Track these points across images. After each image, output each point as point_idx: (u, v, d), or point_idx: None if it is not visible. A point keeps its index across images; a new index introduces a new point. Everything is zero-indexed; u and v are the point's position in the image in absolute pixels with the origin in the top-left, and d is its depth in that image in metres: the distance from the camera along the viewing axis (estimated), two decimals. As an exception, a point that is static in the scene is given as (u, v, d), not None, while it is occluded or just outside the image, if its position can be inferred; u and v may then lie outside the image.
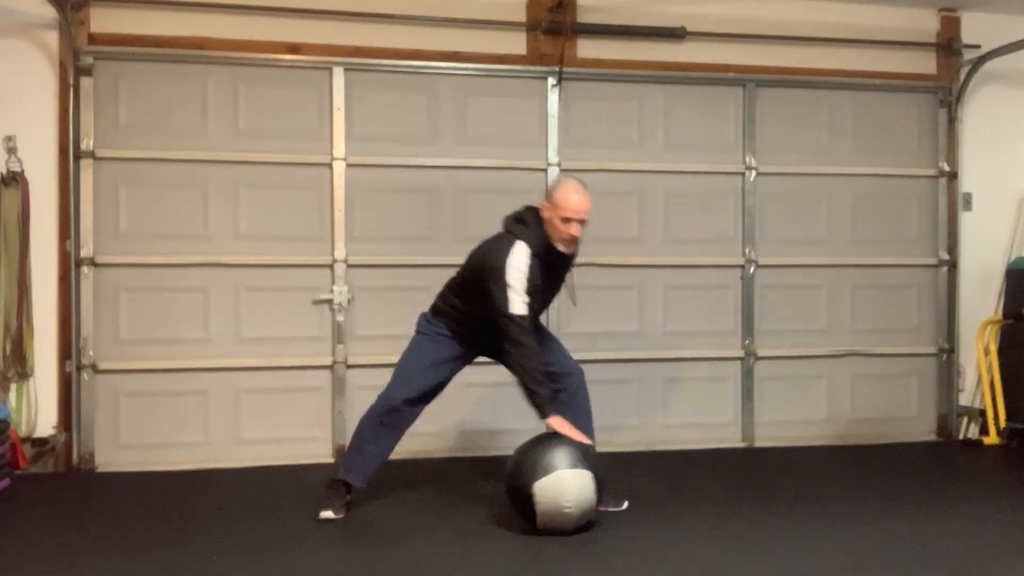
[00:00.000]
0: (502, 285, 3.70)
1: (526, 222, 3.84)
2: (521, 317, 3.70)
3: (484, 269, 3.79)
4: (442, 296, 4.05)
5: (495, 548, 3.56)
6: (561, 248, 3.81)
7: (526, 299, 3.72)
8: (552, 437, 3.70)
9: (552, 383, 3.84)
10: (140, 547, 3.53)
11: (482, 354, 4.02)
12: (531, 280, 3.74)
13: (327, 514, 3.87)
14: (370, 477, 3.96)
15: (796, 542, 3.61)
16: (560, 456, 3.60)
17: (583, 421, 3.93)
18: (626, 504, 4.06)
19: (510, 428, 4.89)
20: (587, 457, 3.68)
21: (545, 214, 3.80)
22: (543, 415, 3.72)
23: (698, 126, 5.63)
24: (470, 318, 3.92)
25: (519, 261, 3.72)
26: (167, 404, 5.03)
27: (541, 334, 4.01)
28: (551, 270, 3.88)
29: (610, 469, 4.95)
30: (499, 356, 3.91)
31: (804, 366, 5.75)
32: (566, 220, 3.74)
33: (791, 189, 5.73)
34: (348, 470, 3.94)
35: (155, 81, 5.03)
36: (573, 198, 3.76)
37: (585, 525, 3.71)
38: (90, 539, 3.66)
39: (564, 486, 3.57)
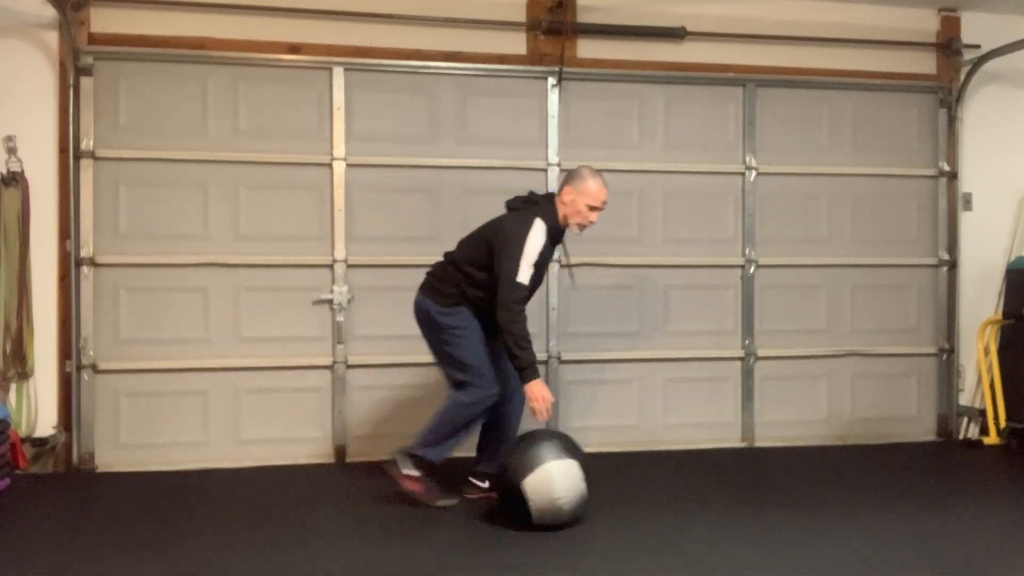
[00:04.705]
0: (517, 253, 3.91)
1: (539, 203, 4.08)
2: (523, 286, 3.94)
3: (502, 236, 3.99)
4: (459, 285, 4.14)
5: (494, 545, 3.56)
6: (575, 231, 4.10)
7: (531, 271, 3.96)
8: (535, 434, 3.86)
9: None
10: (140, 547, 3.53)
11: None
12: (542, 255, 4.01)
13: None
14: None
15: (796, 542, 3.62)
16: (545, 450, 3.72)
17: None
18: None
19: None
20: (572, 446, 3.81)
21: (567, 197, 4.06)
22: (524, 380, 3.91)
23: (698, 126, 5.63)
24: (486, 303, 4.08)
25: (538, 236, 3.98)
26: (167, 404, 5.03)
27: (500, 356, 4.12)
28: (550, 250, 4.13)
29: (611, 469, 4.97)
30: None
31: (804, 366, 5.75)
32: (592, 208, 4.05)
33: (791, 189, 5.73)
34: None
35: (155, 81, 5.03)
36: (599, 187, 4.06)
37: (580, 515, 3.77)
38: (90, 539, 3.67)
39: (552, 478, 3.66)
